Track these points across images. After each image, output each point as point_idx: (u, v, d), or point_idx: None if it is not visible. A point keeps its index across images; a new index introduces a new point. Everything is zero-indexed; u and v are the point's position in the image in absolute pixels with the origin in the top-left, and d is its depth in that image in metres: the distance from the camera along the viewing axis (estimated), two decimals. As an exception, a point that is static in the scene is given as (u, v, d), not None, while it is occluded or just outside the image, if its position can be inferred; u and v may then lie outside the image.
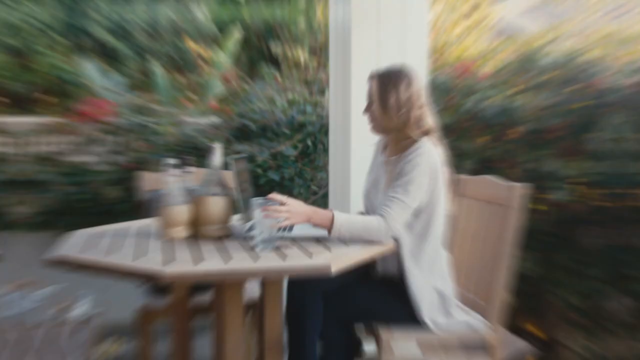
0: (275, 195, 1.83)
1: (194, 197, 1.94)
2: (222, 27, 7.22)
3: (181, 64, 7.00)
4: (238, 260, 1.62)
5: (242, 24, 6.99)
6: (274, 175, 4.06)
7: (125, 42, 6.71)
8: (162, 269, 1.51)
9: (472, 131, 4.17)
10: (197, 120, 4.87)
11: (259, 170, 4.06)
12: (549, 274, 3.99)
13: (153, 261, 1.60)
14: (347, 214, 1.92)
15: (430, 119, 2.03)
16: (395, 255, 2.04)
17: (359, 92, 2.49)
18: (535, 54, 3.86)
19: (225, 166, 2.20)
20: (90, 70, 6.08)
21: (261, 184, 3.95)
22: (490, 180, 2.23)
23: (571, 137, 3.77)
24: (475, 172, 3.89)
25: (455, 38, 4.73)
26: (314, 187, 4.29)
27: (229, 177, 1.98)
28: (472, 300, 2.19)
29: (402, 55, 2.98)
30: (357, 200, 2.70)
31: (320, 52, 6.13)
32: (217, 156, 1.96)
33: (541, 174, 3.62)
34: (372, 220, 1.89)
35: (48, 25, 6.36)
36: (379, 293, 2.08)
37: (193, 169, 2.08)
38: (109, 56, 6.68)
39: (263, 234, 1.76)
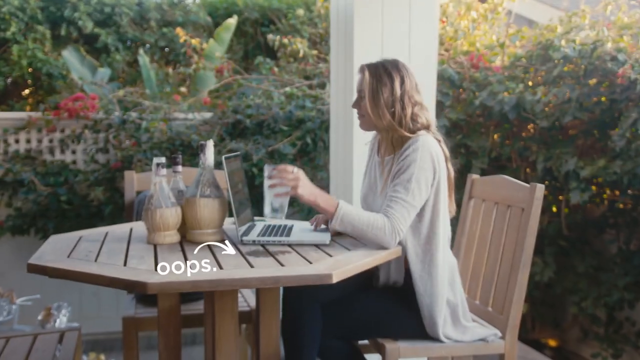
0: (284, 166, 1.87)
1: (184, 199, 1.92)
2: (215, 16, 7.20)
3: (171, 55, 6.98)
4: (230, 268, 1.59)
5: (236, 12, 6.96)
6: (270, 175, 4.04)
7: (110, 30, 6.67)
8: (146, 278, 1.48)
9: (483, 127, 4.14)
10: (188, 115, 4.84)
11: (255, 170, 4.04)
12: (568, 282, 3.96)
13: (137, 269, 1.57)
14: (354, 207, 1.90)
15: (425, 118, 1.98)
16: (399, 262, 2.01)
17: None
18: (552, 45, 3.83)
19: (218, 165, 2.18)
20: (69, 58, 6.03)
21: (257, 185, 3.93)
22: (505, 181, 2.20)
23: (593, 134, 3.74)
24: (486, 171, 3.89)
25: (466, 27, 4.70)
26: (313, 188, 4.26)
27: (222, 177, 1.95)
28: (484, 310, 2.16)
29: (408, 45, 2.95)
30: (360, 202, 2.67)
31: (320, 42, 6.10)
32: (210, 154, 1.94)
33: (560, 174, 3.59)
34: (378, 218, 1.85)
35: (22, 9, 6.30)
36: (383, 303, 2.04)
37: (183, 168, 2.06)
38: (92, 46, 6.65)
39: (273, 202, 1.85)
